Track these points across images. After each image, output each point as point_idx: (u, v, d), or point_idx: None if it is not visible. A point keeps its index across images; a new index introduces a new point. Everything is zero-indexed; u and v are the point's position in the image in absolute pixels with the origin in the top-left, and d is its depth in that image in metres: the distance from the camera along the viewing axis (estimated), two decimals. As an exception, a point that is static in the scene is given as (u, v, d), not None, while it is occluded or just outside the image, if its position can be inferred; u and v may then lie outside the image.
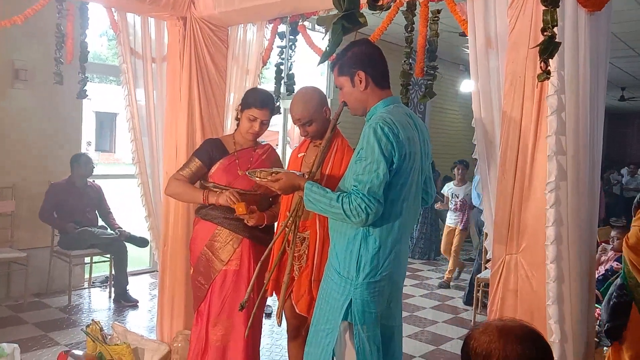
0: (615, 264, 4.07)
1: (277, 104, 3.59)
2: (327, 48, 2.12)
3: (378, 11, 1.91)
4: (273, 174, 2.26)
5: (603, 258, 4.35)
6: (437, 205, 6.65)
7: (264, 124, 2.78)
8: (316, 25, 7.02)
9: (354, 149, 2.56)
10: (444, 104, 9.86)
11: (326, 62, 2.48)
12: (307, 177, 2.26)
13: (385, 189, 1.94)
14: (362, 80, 2.08)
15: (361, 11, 2.06)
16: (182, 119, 3.43)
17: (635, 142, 17.23)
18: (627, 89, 11.97)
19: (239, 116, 2.83)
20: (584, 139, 2.09)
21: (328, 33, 1.99)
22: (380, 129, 1.94)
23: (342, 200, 1.95)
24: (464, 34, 2.49)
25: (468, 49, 2.46)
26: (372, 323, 2.04)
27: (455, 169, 6.45)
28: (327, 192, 2.03)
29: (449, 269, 6.32)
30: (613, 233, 4.24)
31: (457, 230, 6.31)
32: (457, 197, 6.28)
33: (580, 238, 2.10)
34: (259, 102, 2.75)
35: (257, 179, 2.31)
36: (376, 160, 1.93)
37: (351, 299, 2.02)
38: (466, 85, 9.63)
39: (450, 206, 6.35)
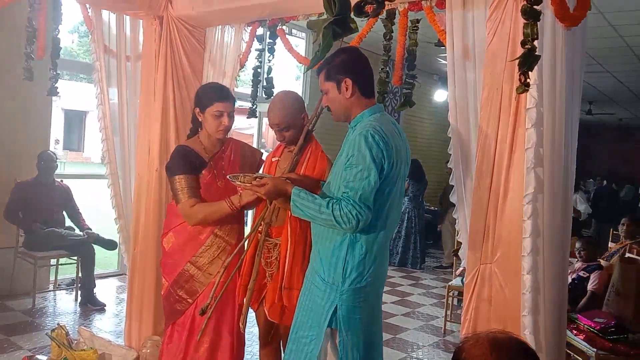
0: (582, 273, 4.14)
1: (254, 107, 3.58)
2: (317, 53, 2.10)
3: (364, 17, 1.91)
4: (257, 179, 2.21)
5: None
6: None
7: (231, 116, 2.63)
8: (293, 30, 7.01)
9: (327, 155, 2.58)
10: (417, 113, 9.95)
11: (302, 65, 2.46)
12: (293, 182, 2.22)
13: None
14: (348, 88, 2.08)
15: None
16: (156, 119, 3.36)
17: (599, 155, 17.69)
18: (594, 104, 12.31)
19: (199, 119, 2.64)
20: (559, 152, 2.12)
21: (319, 37, 1.97)
22: (371, 137, 1.96)
23: (332, 206, 1.94)
24: (439, 44, 2.51)
25: (443, 59, 2.48)
26: (356, 329, 2.04)
27: None
28: (315, 198, 2.03)
29: None
30: (578, 245, 4.30)
31: None
32: None
33: (556, 249, 2.13)
34: (221, 95, 2.61)
35: (240, 183, 2.25)
36: (367, 167, 1.94)
37: (336, 306, 2.02)
38: (440, 95, 9.76)
39: None
